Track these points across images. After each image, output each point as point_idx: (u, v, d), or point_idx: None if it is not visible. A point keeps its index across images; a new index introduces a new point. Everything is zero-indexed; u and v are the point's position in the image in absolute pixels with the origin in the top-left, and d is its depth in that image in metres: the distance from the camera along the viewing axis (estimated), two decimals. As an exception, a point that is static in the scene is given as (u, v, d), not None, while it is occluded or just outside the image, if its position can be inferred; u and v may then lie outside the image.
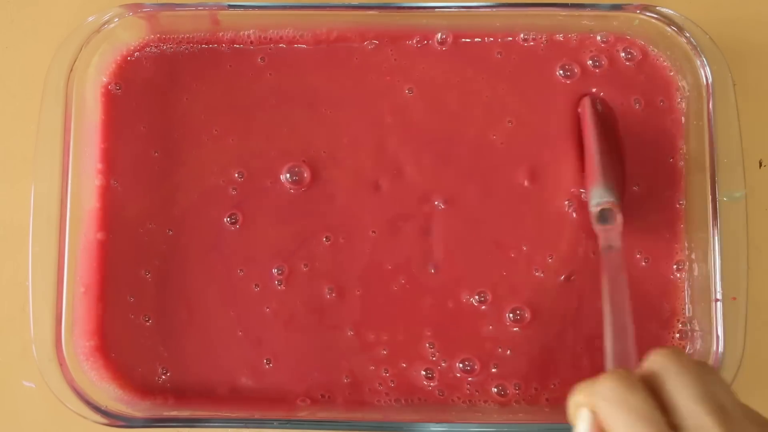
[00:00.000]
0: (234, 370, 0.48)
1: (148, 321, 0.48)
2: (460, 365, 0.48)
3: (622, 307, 0.40)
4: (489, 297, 0.48)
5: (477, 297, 0.48)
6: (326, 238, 0.48)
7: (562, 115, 0.49)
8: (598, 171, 0.46)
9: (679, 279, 0.48)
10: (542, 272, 0.48)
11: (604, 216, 0.44)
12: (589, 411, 0.32)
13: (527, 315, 0.48)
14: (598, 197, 0.45)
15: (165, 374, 0.48)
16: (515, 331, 0.48)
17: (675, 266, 0.48)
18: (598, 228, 0.45)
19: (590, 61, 0.49)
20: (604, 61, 0.50)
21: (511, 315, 0.48)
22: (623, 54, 0.50)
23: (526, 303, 0.48)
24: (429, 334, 0.48)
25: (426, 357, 0.48)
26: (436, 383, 0.48)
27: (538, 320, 0.48)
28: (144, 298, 0.48)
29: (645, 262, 0.48)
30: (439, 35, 0.50)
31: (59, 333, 0.46)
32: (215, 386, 0.48)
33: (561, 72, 0.49)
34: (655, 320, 0.48)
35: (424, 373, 0.48)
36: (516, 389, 0.48)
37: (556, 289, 0.48)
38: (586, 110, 0.48)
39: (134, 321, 0.48)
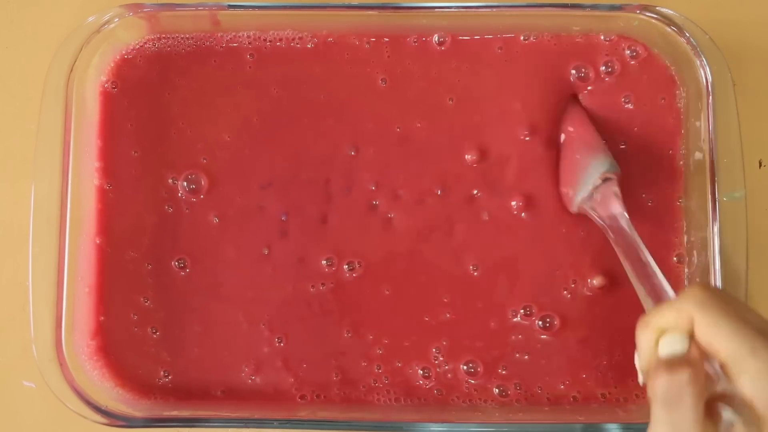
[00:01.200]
0: (234, 370, 0.48)
1: (154, 332, 0.48)
2: (464, 367, 0.48)
3: (642, 258, 0.42)
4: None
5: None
6: (327, 260, 0.49)
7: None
8: (597, 141, 0.47)
9: (679, 278, 0.48)
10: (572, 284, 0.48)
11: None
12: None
13: (535, 310, 0.48)
14: (602, 167, 0.45)
15: (166, 377, 0.48)
16: (524, 332, 0.48)
17: (675, 259, 0.48)
18: (596, 201, 0.45)
19: (591, 62, 0.50)
20: (605, 62, 0.50)
21: (522, 312, 0.48)
22: (623, 54, 0.50)
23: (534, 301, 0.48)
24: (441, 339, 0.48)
25: (429, 359, 0.48)
26: (433, 383, 0.48)
27: (537, 318, 0.48)
28: (144, 298, 0.48)
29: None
30: (436, 36, 0.50)
31: (59, 333, 0.46)
32: (215, 387, 0.48)
33: (565, 72, 0.50)
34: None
35: (420, 371, 0.48)
36: (517, 389, 0.48)
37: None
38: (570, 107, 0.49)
39: (134, 321, 0.48)
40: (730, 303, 0.32)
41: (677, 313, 0.32)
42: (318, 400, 0.48)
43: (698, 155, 0.47)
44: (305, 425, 0.45)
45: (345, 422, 0.45)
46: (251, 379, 0.48)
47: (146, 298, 0.48)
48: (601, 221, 0.46)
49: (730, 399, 0.32)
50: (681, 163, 0.49)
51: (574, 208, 0.47)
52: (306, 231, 0.49)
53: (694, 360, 0.32)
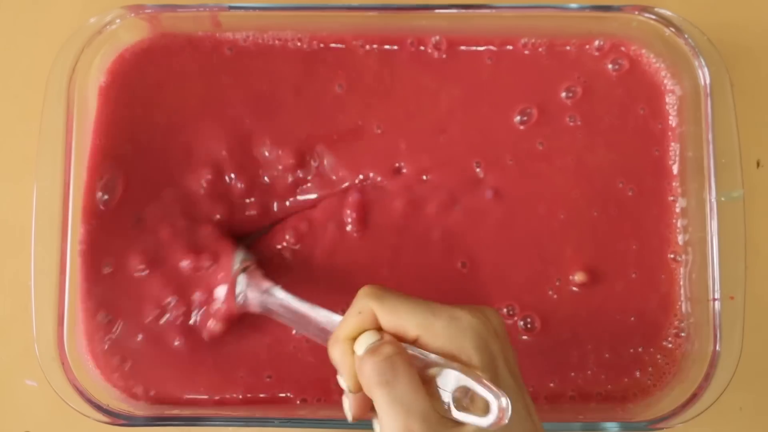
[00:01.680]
0: (233, 371, 0.48)
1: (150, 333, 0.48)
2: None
3: (302, 311, 0.42)
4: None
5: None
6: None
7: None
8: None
9: (677, 278, 0.48)
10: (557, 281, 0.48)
11: None
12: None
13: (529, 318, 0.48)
14: (240, 257, 0.46)
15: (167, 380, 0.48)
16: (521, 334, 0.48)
17: (671, 256, 0.49)
18: (247, 291, 0.45)
19: (591, 62, 0.50)
20: (605, 61, 0.50)
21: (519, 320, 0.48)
22: (622, 54, 0.50)
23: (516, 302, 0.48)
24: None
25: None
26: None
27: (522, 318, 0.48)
28: (143, 299, 0.48)
29: (642, 259, 0.49)
30: (436, 38, 0.50)
31: (61, 332, 0.46)
32: (216, 388, 0.48)
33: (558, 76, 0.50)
34: (654, 319, 0.48)
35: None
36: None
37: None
38: None
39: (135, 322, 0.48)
40: (392, 290, 0.35)
41: (359, 317, 0.35)
42: (319, 403, 0.48)
43: (696, 155, 0.47)
44: (305, 424, 0.45)
45: (344, 421, 0.45)
46: (252, 379, 0.48)
47: (146, 299, 0.48)
48: (260, 306, 0.45)
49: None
50: (676, 161, 0.49)
51: (234, 310, 0.46)
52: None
53: (391, 341, 0.34)
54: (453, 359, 0.33)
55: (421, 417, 0.31)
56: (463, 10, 0.48)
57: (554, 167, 0.49)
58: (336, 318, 0.39)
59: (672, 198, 0.49)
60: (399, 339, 0.34)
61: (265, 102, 0.49)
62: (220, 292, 0.46)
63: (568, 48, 0.50)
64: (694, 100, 0.48)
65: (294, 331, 0.47)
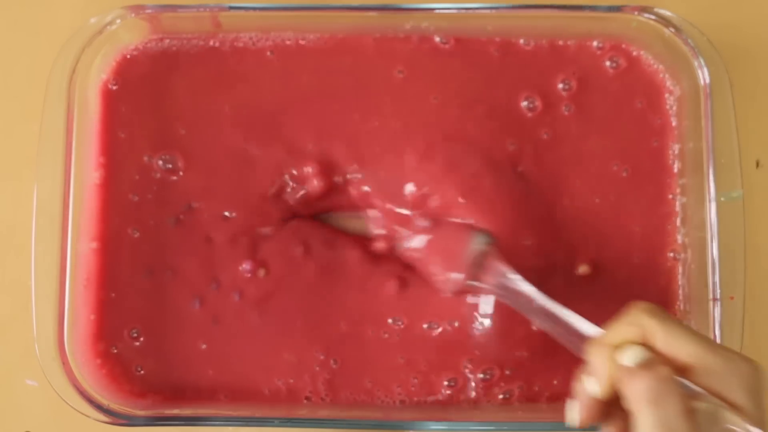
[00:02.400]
0: (233, 371, 0.48)
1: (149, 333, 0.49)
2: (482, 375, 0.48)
3: (548, 309, 0.41)
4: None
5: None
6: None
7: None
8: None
9: (676, 278, 0.49)
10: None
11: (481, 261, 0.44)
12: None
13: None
14: (483, 241, 0.45)
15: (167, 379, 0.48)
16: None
17: (670, 254, 0.49)
18: (480, 273, 0.44)
19: (591, 62, 0.50)
20: (604, 61, 0.50)
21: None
22: (622, 54, 0.50)
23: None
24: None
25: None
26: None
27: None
28: (143, 300, 0.49)
29: (640, 259, 0.49)
30: (438, 38, 0.50)
31: (62, 332, 0.46)
32: (216, 388, 0.48)
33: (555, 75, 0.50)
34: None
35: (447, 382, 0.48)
36: (518, 389, 0.48)
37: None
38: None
39: (133, 324, 0.48)
40: (673, 316, 0.36)
41: (632, 328, 0.34)
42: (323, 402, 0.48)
43: (695, 155, 0.47)
44: (306, 424, 0.45)
45: (345, 421, 0.45)
46: (251, 379, 0.48)
47: (145, 299, 0.49)
48: (493, 290, 0.44)
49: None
50: (674, 160, 0.49)
51: (453, 291, 0.46)
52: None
53: (665, 362, 0.33)
54: (721, 397, 0.32)
55: None
56: (463, 11, 0.48)
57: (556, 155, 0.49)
58: (583, 322, 0.39)
59: (671, 197, 0.49)
60: (667, 364, 0.33)
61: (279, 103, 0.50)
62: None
63: (569, 43, 0.50)
64: (694, 100, 0.48)
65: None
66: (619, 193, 0.49)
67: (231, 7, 0.48)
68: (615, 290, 0.48)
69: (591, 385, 0.35)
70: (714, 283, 0.46)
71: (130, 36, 0.49)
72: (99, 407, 0.45)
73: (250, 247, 0.48)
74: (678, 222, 0.49)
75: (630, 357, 0.34)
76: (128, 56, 0.50)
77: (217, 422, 0.45)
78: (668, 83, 0.50)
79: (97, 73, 0.49)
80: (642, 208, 0.49)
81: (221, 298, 0.48)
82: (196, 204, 0.49)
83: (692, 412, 0.32)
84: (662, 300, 0.48)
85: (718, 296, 0.46)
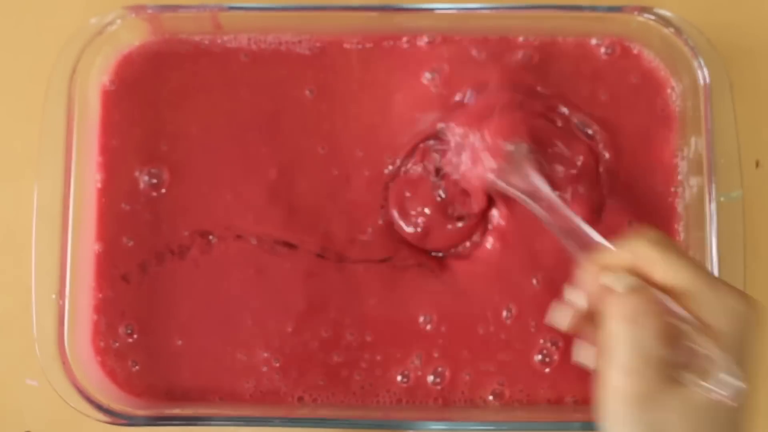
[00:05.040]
0: (233, 372, 0.48)
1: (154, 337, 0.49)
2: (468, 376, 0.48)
3: (565, 214, 0.42)
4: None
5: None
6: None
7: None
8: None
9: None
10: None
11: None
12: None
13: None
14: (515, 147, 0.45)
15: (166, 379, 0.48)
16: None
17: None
18: (509, 178, 0.45)
19: (590, 61, 0.50)
20: (604, 61, 0.50)
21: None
22: (622, 54, 0.50)
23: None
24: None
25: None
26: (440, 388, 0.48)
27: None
28: (143, 300, 0.49)
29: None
30: (438, 37, 0.50)
31: (62, 331, 0.46)
32: (215, 388, 0.48)
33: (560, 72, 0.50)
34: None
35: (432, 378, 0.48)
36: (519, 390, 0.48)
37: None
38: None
39: (133, 324, 0.49)
40: (677, 245, 0.36)
41: (631, 256, 0.36)
42: (316, 404, 0.48)
43: (695, 155, 0.47)
44: (306, 424, 0.45)
45: (345, 421, 0.45)
46: (251, 382, 0.48)
47: (144, 300, 0.49)
48: (516, 192, 0.45)
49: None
50: (675, 160, 0.49)
51: (480, 183, 0.46)
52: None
53: (655, 289, 0.35)
54: (712, 329, 0.34)
55: (653, 363, 0.33)
56: (462, 11, 0.48)
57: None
58: (596, 235, 0.40)
59: (670, 200, 0.49)
60: (662, 289, 0.35)
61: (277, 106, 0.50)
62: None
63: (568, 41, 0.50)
64: (694, 100, 0.48)
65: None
66: (617, 192, 0.49)
67: (231, 8, 0.48)
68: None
69: (575, 297, 0.37)
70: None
71: (131, 36, 0.49)
72: (99, 407, 0.45)
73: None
74: (678, 222, 0.49)
75: (621, 282, 0.35)
76: (129, 57, 0.50)
77: (217, 422, 0.45)
78: (668, 83, 0.50)
79: (98, 73, 0.49)
80: (645, 208, 0.49)
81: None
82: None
83: (668, 334, 0.33)
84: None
85: (718, 296, 0.46)
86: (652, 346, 0.33)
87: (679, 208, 0.49)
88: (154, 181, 0.49)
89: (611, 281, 0.35)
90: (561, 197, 0.44)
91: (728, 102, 0.47)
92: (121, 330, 0.48)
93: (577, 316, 0.38)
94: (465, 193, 0.48)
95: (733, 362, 0.33)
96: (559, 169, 0.47)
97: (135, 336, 0.48)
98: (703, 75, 0.47)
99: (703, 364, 0.33)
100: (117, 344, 0.48)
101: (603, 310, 0.35)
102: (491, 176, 0.45)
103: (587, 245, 0.40)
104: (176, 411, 0.46)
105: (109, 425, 0.45)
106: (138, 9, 0.48)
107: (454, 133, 0.48)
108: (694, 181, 0.48)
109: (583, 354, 0.40)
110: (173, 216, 0.49)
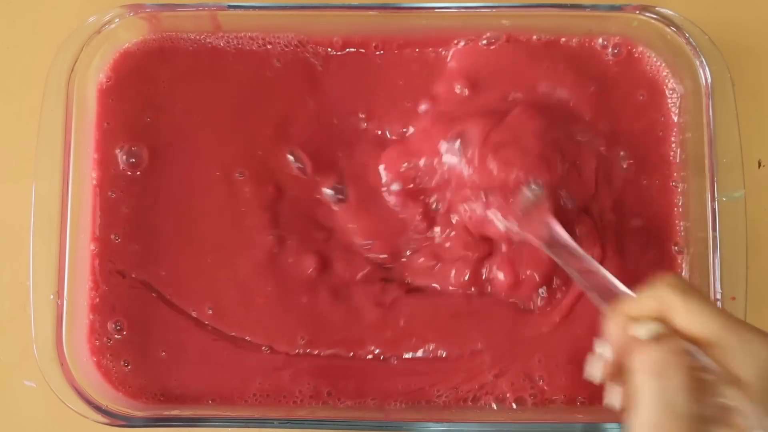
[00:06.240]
0: (232, 373, 0.48)
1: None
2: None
3: (587, 266, 0.41)
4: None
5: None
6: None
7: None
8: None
9: (673, 269, 0.48)
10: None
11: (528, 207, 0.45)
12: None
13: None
14: (537, 191, 0.45)
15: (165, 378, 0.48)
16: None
17: (674, 248, 0.48)
18: (528, 221, 0.45)
19: (590, 61, 0.50)
20: (604, 60, 0.50)
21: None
22: (622, 53, 0.50)
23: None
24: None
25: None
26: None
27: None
28: (141, 300, 0.48)
29: (642, 259, 0.48)
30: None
31: (60, 333, 0.46)
32: (215, 388, 0.48)
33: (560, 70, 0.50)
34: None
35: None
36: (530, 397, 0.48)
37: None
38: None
39: (131, 326, 0.48)
40: (698, 290, 0.35)
41: (655, 302, 0.35)
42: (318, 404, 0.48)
43: (697, 155, 0.47)
44: (305, 424, 0.44)
45: (345, 422, 0.45)
46: (250, 381, 0.48)
47: (144, 299, 0.48)
48: (538, 240, 0.44)
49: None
50: (677, 157, 0.49)
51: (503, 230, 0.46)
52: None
53: (679, 338, 0.34)
54: (738, 378, 0.32)
55: (681, 419, 0.31)
56: (463, 10, 0.48)
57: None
58: (617, 284, 0.39)
59: (672, 199, 0.49)
60: (685, 337, 0.34)
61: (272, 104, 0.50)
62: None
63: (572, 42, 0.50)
64: (696, 99, 0.48)
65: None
66: (621, 191, 0.49)
67: (230, 6, 0.48)
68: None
69: (603, 349, 0.36)
70: (715, 284, 0.46)
71: (129, 35, 0.49)
72: (97, 408, 0.45)
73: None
74: (679, 222, 0.49)
75: (644, 330, 0.34)
76: (128, 56, 0.49)
77: (216, 423, 0.45)
78: (670, 83, 0.49)
79: (96, 72, 0.49)
80: (648, 204, 0.49)
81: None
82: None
83: (695, 387, 0.32)
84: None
85: (720, 296, 0.45)
86: (679, 401, 0.32)
87: (681, 207, 0.49)
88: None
89: (636, 330, 0.34)
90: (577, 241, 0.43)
91: (730, 101, 0.46)
92: (110, 326, 0.48)
93: (608, 367, 0.36)
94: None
95: (765, 415, 0.31)
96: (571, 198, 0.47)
97: (119, 328, 0.48)
98: (704, 74, 0.47)
99: (734, 418, 0.32)
100: (110, 342, 0.48)
101: (629, 362, 0.34)
102: (516, 228, 0.45)
103: (609, 293, 0.39)
104: (174, 412, 0.46)
105: (107, 426, 0.45)
106: (136, 8, 0.48)
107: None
108: (696, 180, 0.48)
109: (615, 397, 0.38)
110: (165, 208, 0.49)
